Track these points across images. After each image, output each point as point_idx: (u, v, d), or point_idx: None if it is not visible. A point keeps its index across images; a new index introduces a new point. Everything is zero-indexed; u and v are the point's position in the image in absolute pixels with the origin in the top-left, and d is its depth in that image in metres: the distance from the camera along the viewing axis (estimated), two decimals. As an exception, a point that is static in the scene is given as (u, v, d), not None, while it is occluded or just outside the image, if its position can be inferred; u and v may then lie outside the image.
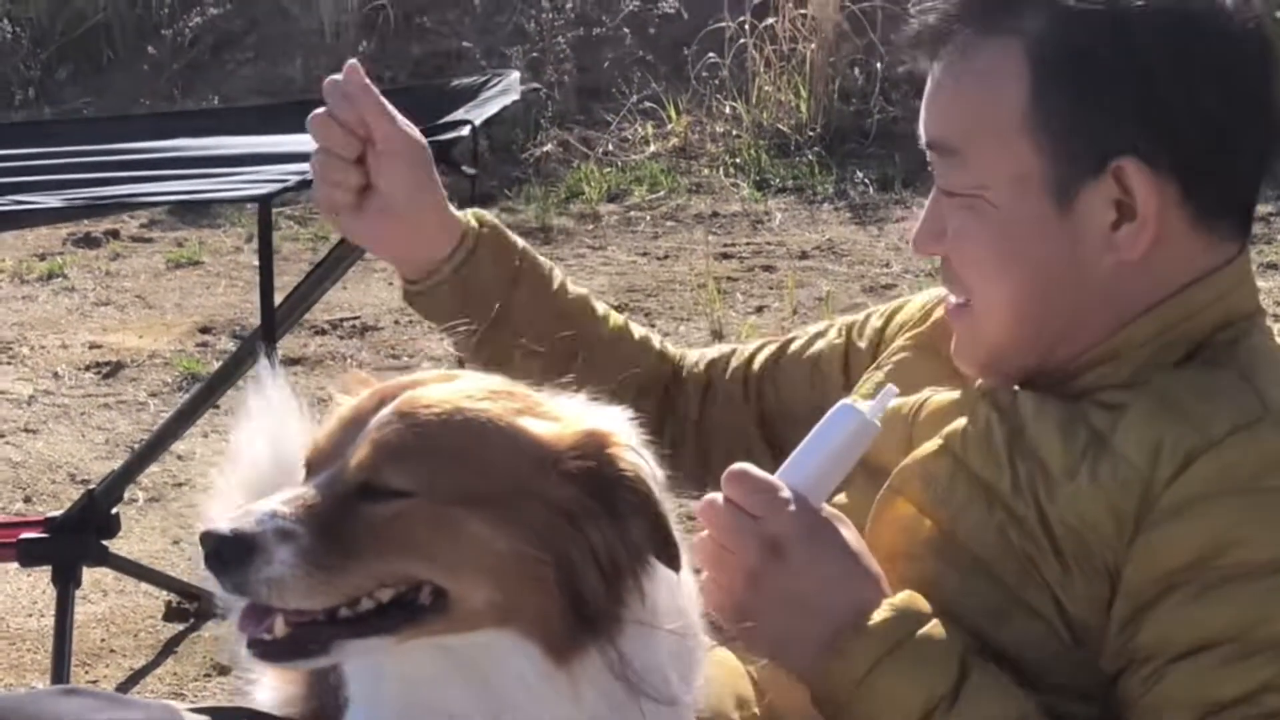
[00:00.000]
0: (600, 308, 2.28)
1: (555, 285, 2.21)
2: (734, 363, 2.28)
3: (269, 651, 1.55)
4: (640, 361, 2.23)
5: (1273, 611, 1.58)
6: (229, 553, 1.49)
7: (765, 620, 1.71)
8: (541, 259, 2.24)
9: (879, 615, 1.67)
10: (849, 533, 1.74)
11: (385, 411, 1.59)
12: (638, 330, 2.32)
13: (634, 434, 1.69)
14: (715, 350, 2.35)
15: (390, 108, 2.04)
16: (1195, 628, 1.60)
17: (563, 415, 1.65)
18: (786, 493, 1.72)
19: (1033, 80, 1.73)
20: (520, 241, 2.22)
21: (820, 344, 2.22)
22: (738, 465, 1.73)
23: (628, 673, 1.57)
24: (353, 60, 2.03)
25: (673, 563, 1.59)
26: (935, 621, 1.67)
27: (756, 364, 2.26)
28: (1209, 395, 1.68)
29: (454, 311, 2.07)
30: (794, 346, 2.25)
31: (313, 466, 1.60)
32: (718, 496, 1.73)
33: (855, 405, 1.78)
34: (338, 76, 2.02)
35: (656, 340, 2.34)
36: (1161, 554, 1.62)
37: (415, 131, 2.08)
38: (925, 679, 1.64)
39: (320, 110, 2.02)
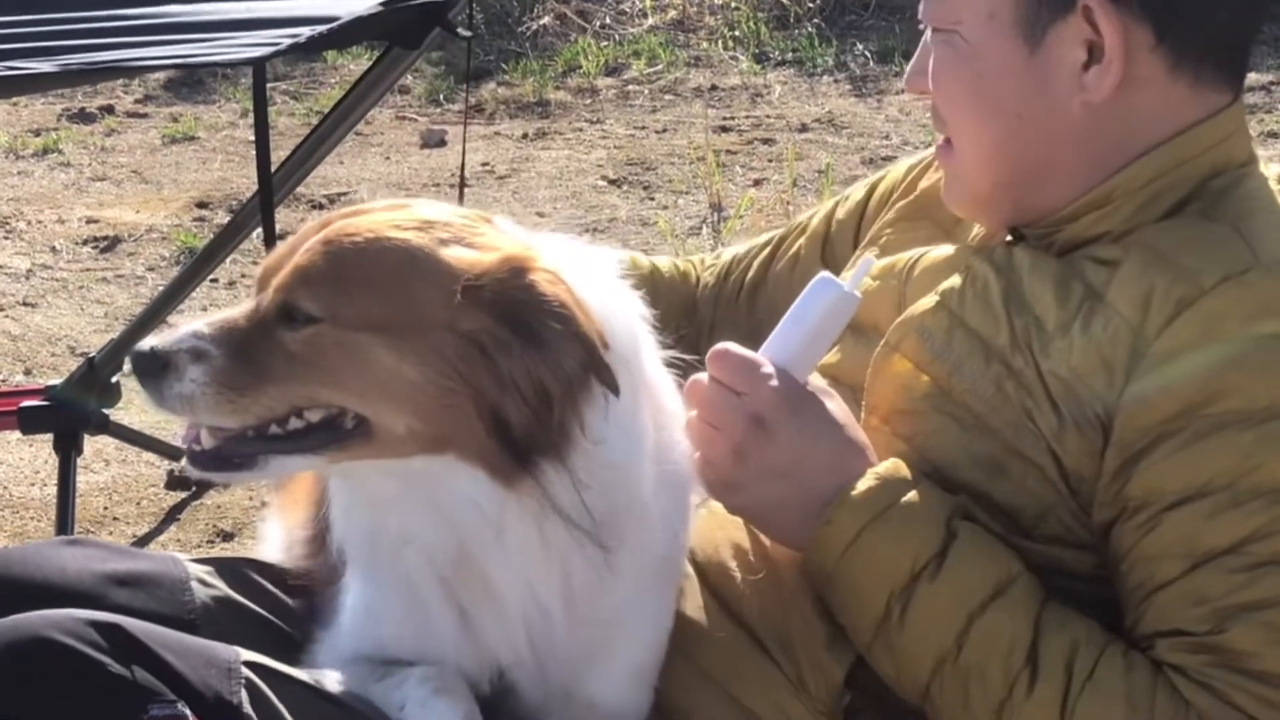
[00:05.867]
0: (633, 264, 2.25)
1: None
2: (734, 272, 2.29)
3: (199, 461, 1.63)
4: (671, 301, 2.22)
5: (1263, 459, 1.59)
6: (147, 368, 1.59)
7: (753, 493, 1.73)
8: None
9: (863, 484, 1.69)
10: (834, 404, 1.75)
11: (315, 238, 1.61)
12: (664, 267, 2.32)
13: (600, 266, 1.68)
14: (729, 254, 2.35)
15: None
16: (1186, 476, 1.61)
17: (499, 245, 1.62)
18: (769, 368, 1.73)
19: None
20: None
21: (801, 240, 2.23)
22: (720, 345, 1.75)
23: (584, 495, 1.58)
24: None
25: (608, 385, 1.58)
26: (920, 488, 1.69)
27: (752, 271, 2.26)
28: (1200, 246, 1.67)
29: None
30: (782, 248, 2.25)
31: (260, 288, 1.65)
32: (703, 376, 1.74)
33: (833, 278, 1.79)
34: None
35: (679, 269, 2.34)
36: (1152, 403, 1.62)
37: None
38: (910, 544, 1.66)
39: None
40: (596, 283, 1.65)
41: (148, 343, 1.60)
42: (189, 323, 1.62)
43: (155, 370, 1.58)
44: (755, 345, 1.78)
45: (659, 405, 1.71)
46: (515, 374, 1.55)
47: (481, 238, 1.63)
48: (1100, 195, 1.75)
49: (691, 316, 2.30)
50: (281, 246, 1.66)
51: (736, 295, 2.27)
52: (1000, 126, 1.77)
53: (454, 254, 1.59)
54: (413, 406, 1.57)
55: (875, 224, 2.10)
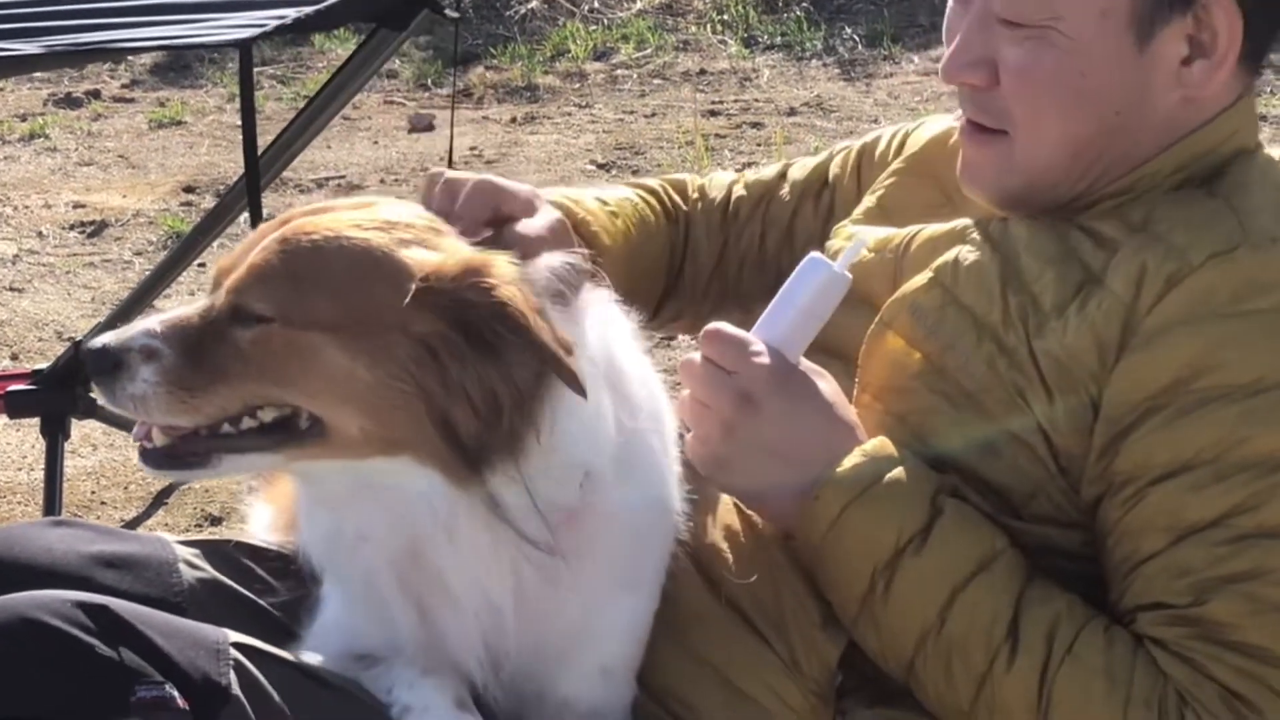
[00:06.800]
0: (601, 232, 2.12)
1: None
2: (744, 209, 2.22)
3: (151, 459, 1.62)
4: (652, 259, 2.17)
5: (1248, 433, 1.60)
6: (98, 366, 1.57)
7: (742, 469, 1.73)
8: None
9: (850, 461, 1.69)
10: (825, 384, 1.76)
11: (271, 236, 1.59)
12: (639, 223, 2.19)
13: (563, 270, 1.64)
14: (719, 189, 2.26)
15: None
16: (1172, 450, 1.61)
17: (459, 249, 1.60)
18: (759, 346, 1.73)
19: None
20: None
21: (827, 194, 2.18)
22: (712, 324, 1.74)
23: (535, 499, 1.58)
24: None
25: (573, 386, 1.56)
26: (906, 465, 1.69)
27: (771, 208, 2.20)
28: (1192, 223, 1.68)
29: None
30: (809, 199, 2.19)
31: (215, 286, 1.62)
32: (695, 355, 1.74)
33: (823, 258, 1.78)
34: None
35: (661, 219, 2.22)
36: (1140, 378, 1.63)
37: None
38: (895, 520, 1.67)
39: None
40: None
41: (100, 340, 1.58)
42: (143, 320, 1.60)
43: (108, 369, 1.57)
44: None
45: (631, 402, 1.70)
46: (466, 380, 1.54)
47: (443, 241, 1.61)
48: (1125, 185, 1.76)
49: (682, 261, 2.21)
50: (238, 245, 1.63)
51: (759, 242, 2.21)
52: (1093, 124, 1.74)
53: (413, 256, 1.57)
54: (365, 407, 1.55)
55: (879, 173, 2.08)
